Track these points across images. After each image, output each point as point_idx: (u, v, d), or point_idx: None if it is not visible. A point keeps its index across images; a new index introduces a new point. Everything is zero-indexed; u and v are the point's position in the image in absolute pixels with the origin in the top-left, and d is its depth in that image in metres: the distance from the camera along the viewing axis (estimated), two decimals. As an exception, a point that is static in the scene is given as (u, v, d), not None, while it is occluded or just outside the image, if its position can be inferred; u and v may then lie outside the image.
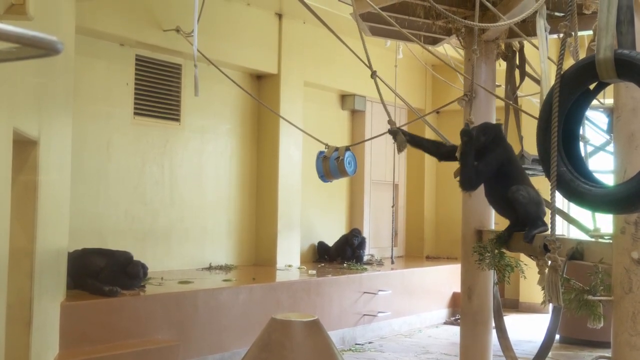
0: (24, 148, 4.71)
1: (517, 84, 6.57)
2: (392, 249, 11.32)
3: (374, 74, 5.66)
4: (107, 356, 5.93)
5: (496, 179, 4.87)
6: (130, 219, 8.30)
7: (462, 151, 4.92)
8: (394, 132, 5.25)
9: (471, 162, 4.84)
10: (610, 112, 5.09)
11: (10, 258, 4.12)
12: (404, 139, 5.18)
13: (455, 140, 5.68)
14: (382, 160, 12.06)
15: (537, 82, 6.32)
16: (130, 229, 8.26)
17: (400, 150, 5.24)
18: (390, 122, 5.45)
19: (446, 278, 10.94)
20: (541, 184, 4.88)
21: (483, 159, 4.84)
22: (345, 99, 11.66)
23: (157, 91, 8.64)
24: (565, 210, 6.73)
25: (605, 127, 5.73)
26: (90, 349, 5.95)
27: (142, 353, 6.18)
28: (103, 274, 6.56)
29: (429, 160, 12.79)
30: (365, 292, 9.15)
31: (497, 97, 6.23)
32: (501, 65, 6.86)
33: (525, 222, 4.71)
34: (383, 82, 5.76)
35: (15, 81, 4.07)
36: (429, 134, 12.27)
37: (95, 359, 5.85)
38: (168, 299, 6.80)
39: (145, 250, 8.16)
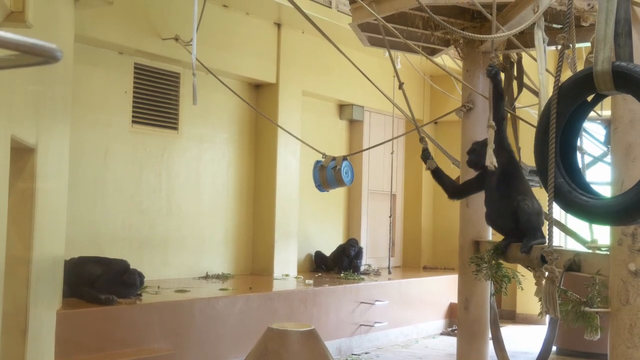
0: (22, 155, 4.71)
1: (515, 95, 6.58)
2: (389, 259, 11.30)
3: (401, 85, 5.75)
4: (103, 365, 5.91)
5: (500, 188, 4.90)
6: (127, 227, 8.28)
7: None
8: (427, 155, 5.45)
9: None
10: (608, 123, 5.10)
11: (7, 266, 4.11)
12: (435, 165, 5.42)
13: (454, 149, 5.69)
14: (379, 170, 12.07)
15: (535, 93, 6.33)
16: (127, 238, 8.25)
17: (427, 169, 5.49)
18: (422, 141, 5.55)
19: (443, 288, 10.92)
20: (539, 195, 4.89)
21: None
22: (343, 108, 11.67)
23: (156, 99, 8.65)
24: (563, 221, 6.74)
25: (602, 138, 5.73)
26: (86, 358, 5.92)
27: (138, 362, 6.15)
28: (99, 282, 6.54)
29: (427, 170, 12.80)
30: (362, 302, 9.14)
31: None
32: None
33: (524, 232, 4.72)
34: (390, 96, 5.78)
35: (13, 89, 4.08)
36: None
37: (90, 368, 5.83)
38: (164, 307, 6.78)
39: (142, 258, 8.14)
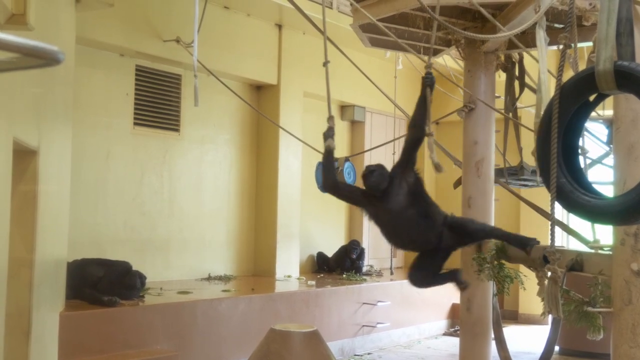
0: (24, 158, 4.71)
1: (517, 95, 6.58)
2: (391, 260, 11.29)
3: (325, 63, 5.36)
4: (106, 367, 5.91)
5: (413, 208, 4.79)
6: (129, 229, 8.29)
7: None
8: (330, 133, 4.99)
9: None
10: (610, 123, 5.09)
11: (10, 268, 4.11)
12: (334, 147, 4.96)
13: (456, 150, 5.68)
14: (381, 171, 12.03)
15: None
16: (129, 239, 8.25)
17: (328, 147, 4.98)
18: (330, 120, 5.09)
19: (445, 289, 10.85)
20: (541, 195, 4.88)
21: None
22: (344, 109, 11.67)
23: (157, 101, 8.65)
24: (565, 221, 6.73)
25: (604, 138, 5.72)
26: (89, 359, 5.94)
27: (140, 364, 6.15)
28: (102, 284, 6.54)
29: (428, 170, 12.78)
30: (364, 303, 9.13)
31: (495, 110, 6.24)
32: (501, 77, 6.86)
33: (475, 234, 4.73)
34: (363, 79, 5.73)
35: (15, 91, 4.08)
36: (427, 145, 12.28)
37: (93, 370, 5.83)
38: (167, 309, 6.78)
39: (144, 260, 8.14)
